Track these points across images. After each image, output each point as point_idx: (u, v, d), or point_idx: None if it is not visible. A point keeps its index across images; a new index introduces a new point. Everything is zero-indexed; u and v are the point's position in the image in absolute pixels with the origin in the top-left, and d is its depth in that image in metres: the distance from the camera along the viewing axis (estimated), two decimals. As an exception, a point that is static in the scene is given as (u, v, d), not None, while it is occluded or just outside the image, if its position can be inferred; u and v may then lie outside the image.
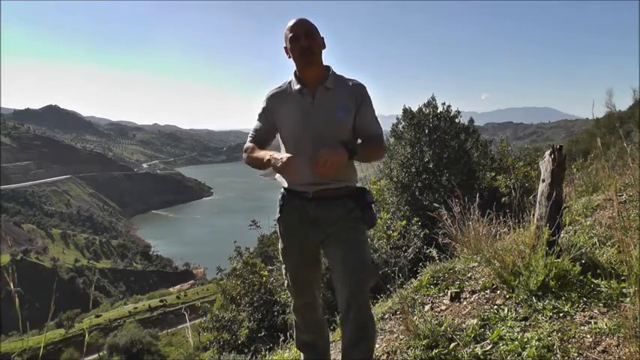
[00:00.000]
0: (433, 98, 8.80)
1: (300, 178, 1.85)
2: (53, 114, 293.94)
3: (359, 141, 1.96)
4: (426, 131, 8.49)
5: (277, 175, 2.04)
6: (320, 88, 1.92)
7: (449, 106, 8.79)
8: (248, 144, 2.02)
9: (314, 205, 1.94)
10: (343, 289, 1.83)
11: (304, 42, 1.86)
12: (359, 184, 2.08)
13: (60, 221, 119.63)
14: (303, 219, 1.97)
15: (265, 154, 1.84)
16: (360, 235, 1.94)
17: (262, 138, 2.02)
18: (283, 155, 1.76)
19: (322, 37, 1.94)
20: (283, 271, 2.16)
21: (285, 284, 2.19)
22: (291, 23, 1.90)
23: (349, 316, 1.82)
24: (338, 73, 2.01)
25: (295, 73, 1.97)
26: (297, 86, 1.94)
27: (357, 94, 1.95)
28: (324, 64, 1.98)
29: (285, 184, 2.01)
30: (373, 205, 2.02)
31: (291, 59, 1.94)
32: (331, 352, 2.40)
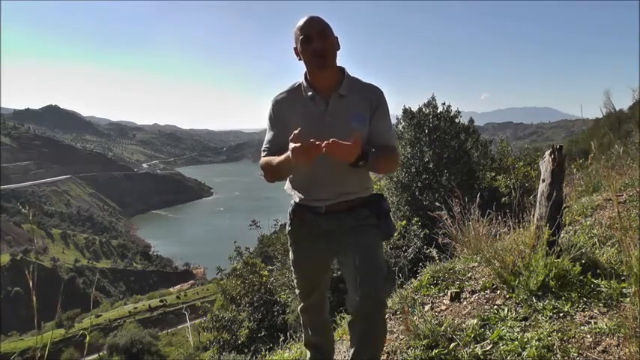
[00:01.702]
0: (433, 98, 8.81)
1: (310, 161, 1.55)
2: (53, 114, 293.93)
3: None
4: (426, 131, 8.49)
5: (286, 187, 1.96)
6: (334, 95, 1.77)
7: (449, 106, 8.80)
8: (263, 159, 1.82)
9: (325, 219, 1.84)
10: (355, 294, 1.70)
11: (317, 44, 1.69)
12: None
13: (60, 221, 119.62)
14: (313, 232, 1.88)
15: (283, 156, 1.65)
16: (373, 239, 1.82)
17: (278, 148, 1.80)
18: (291, 146, 1.54)
19: (336, 37, 1.77)
20: (294, 281, 2.14)
21: (296, 292, 2.15)
22: (302, 22, 1.73)
23: (356, 327, 1.74)
24: (352, 75, 1.86)
25: (306, 76, 1.81)
26: (309, 92, 1.78)
27: (373, 100, 1.80)
28: (338, 65, 1.81)
29: (297, 199, 1.90)
30: (390, 214, 1.90)
31: (302, 61, 1.78)
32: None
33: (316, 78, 1.78)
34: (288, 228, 1.98)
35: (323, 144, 1.50)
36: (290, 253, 2.05)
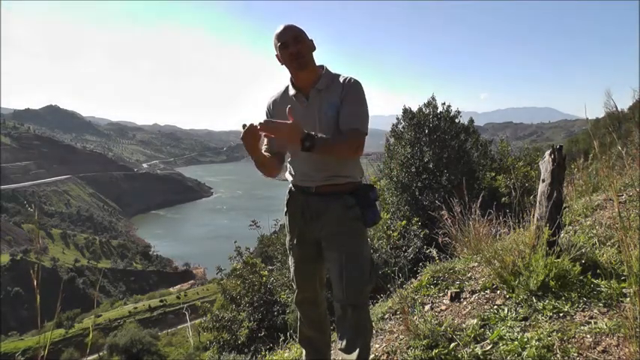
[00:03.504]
0: (433, 98, 8.80)
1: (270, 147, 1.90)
2: (53, 114, 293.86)
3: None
4: (426, 131, 8.48)
5: (286, 174, 2.12)
6: (312, 91, 1.97)
7: (449, 106, 8.78)
8: None
9: (316, 200, 1.99)
10: (340, 294, 1.90)
11: (293, 48, 1.90)
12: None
13: (60, 221, 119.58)
14: (305, 213, 2.03)
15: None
16: (359, 237, 1.97)
17: (274, 147, 2.04)
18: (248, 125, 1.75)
19: (311, 40, 1.97)
20: (290, 269, 2.23)
21: (290, 277, 2.25)
22: (278, 31, 1.93)
23: (345, 319, 1.88)
24: (335, 72, 2.03)
25: (291, 79, 2.03)
26: (292, 91, 2.00)
27: (345, 87, 1.94)
28: (319, 64, 2.01)
29: (291, 178, 2.08)
30: (377, 203, 2.03)
31: (284, 66, 1.98)
32: (331, 351, 2.40)
33: (297, 78, 2.00)
34: (284, 210, 2.12)
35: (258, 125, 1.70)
36: (286, 236, 2.18)
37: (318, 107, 1.95)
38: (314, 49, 1.97)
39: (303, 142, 1.70)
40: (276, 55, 1.97)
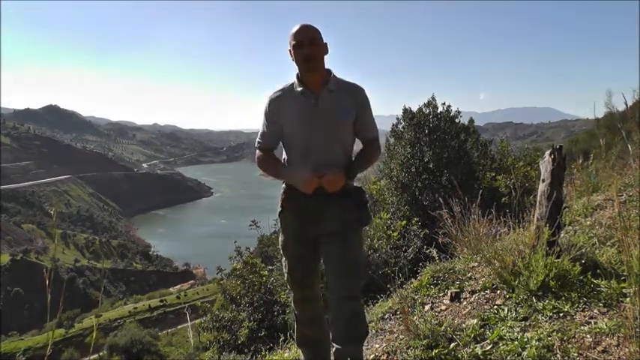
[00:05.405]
0: (433, 98, 8.79)
1: (312, 190, 1.96)
2: (53, 114, 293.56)
3: (357, 144, 2.12)
4: (426, 131, 8.48)
5: None
6: (323, 91, 2.00)
7: (449, 106, 8.77)
8: (259, 153, 2.12)
9: (313, 201, 2.02)
10: (337, 288, 1.96)
11: (308, 50, 1.93)
12: (357, 184, 2.16)
13: (60, 221, 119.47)
14: (302, 214, 2.06)
15: (285, 173, 2.05)
16: (355, 235, 2.04)
17: (271, 142, 2.12)
18: (305, 177, 1.95)
19: (325, 43, 2.01)
20: (283, 264, 2.23)
21: (285, 277, 2.25)
22: (295, 29, 1.96)
23: (342, 313, 1.94)
24: (338, 76, 2.09)
25: (297, 76, 2.04)
26: (299, 89, 2.01)
27: (358, 98, 2.05)
28: (327, 67, 2.05)
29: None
30: (368, 205, 2.12)
31: (295, 62, 2.01)
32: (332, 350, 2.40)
33: (306, 78, 2.02)
34: (279, 210, 2.14)
35: (321, 180, 1.94)
36: (280, 236, 2.19)
37: (329, 108, 1.99)
38: (327, 52, 2.01)
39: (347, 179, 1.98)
40: (289, 50, 1.99)
